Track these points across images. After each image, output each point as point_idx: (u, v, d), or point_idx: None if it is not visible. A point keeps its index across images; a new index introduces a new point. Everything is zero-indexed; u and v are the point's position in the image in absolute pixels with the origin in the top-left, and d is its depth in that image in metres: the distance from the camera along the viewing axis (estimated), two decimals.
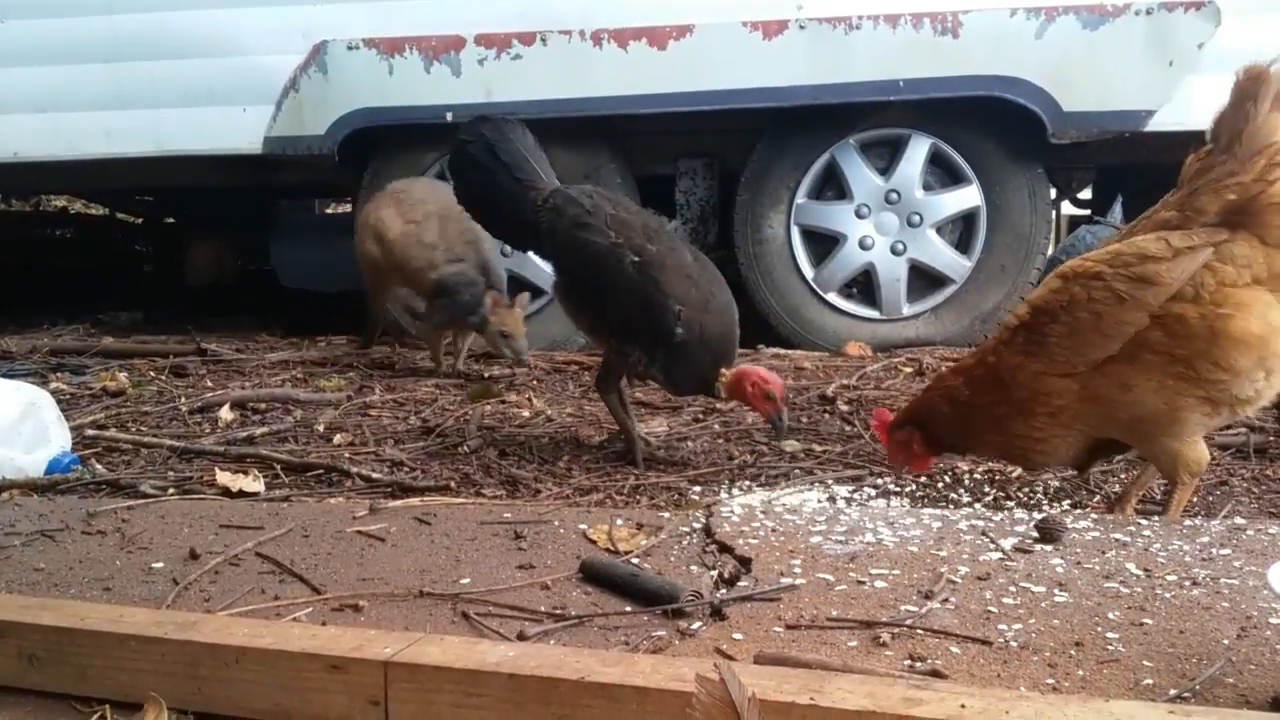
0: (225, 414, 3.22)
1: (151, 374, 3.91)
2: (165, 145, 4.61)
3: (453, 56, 4.36)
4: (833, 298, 4.44)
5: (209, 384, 3.77)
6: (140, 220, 7.98)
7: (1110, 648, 1.46)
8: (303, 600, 1.68)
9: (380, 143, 4.61)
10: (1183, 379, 2.00)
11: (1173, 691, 1.34)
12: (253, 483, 2.49)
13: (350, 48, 4.39)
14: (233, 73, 4.49)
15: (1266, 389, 2.02)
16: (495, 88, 4.35)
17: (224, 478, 2.48)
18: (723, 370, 2.59)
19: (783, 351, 4.28)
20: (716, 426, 3.01)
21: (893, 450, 2.34)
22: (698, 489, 2.45)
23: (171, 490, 2.41)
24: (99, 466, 2.66)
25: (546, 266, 4.57)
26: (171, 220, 7.59)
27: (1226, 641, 1.48)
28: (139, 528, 2.08)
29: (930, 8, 4.07)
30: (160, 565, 1.87)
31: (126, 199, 7.35)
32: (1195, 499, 2.35)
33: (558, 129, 4.45)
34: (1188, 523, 2.02)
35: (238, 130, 4.51)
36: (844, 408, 3.22)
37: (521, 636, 1.52)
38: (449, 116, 4.39)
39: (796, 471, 2.57)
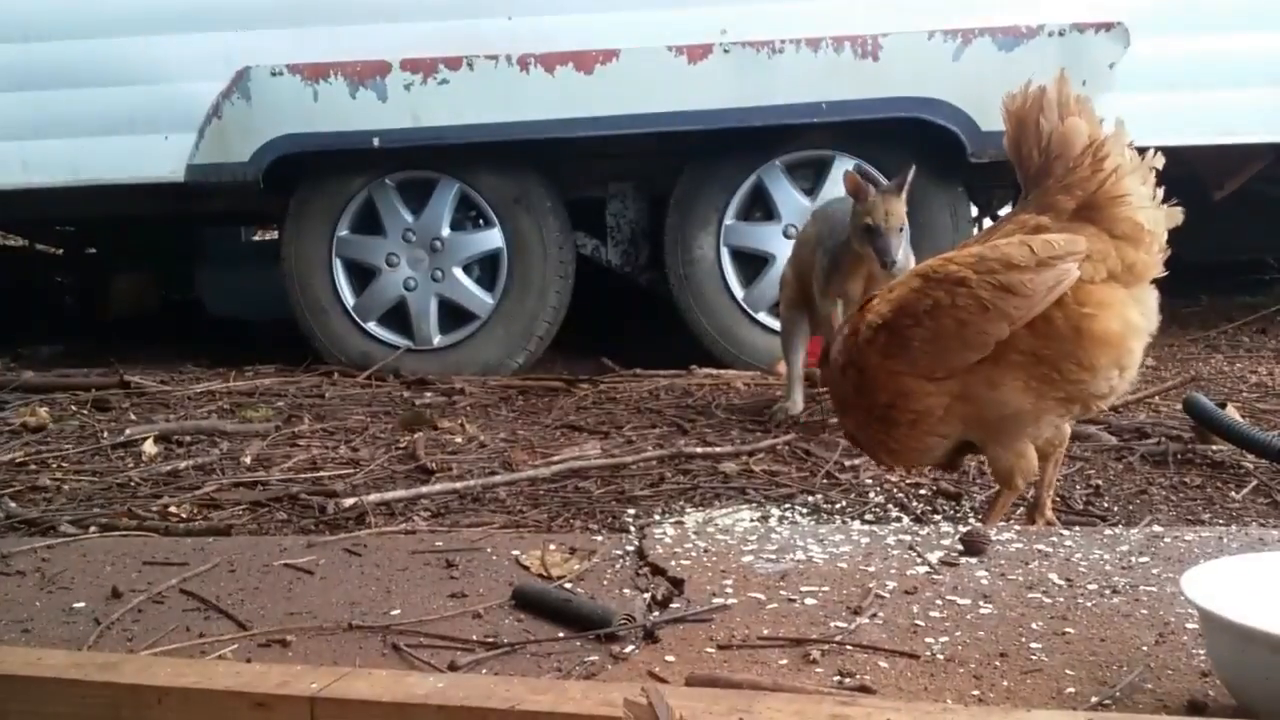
0: (149, 448, 3.15)
1: (73, 408, 3.83)
2: (84, 175, 4.51)
3: (378, 82, 4.34)
4: (764, 317, 4.47)
5: (133, 417, 3.69)
6: (60, 251, 7.80)
7: (1034, 657, 1.49)
8: (228, 637, 1.65)
9: (306, 169, 4.56)
10: (1045, 380, 2.03)
11: (1094, 699, 1.37)
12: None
13: (274, 73, 4.35)
14: (153, 100, 4.42)
15: (1119, 385, 2.09)
16: (422, 113, 4.33)
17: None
18: None
19: (715, 371, 4.30)
20: (650, 449, 3.01)
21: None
22: (631, 511, 2.46)
23: (93, 528, 2.36)
24: (12, 503, 2.59)
25: (478, 290, 4.56)
26: (93, 251, 7.43)
27: (1145, 648, 1.52)
28: (59, 567, 2.03)
29: (851, 31, 4.14)
30: (81, 605, 1.83)
31: (46, 230, 7.18)
32: (1115, 508, 2.41)
33: (486, 153, 4.46)
34: (1108, 531, 2.07)
35: (159, 158, 4.43)
36: (776, 427, 3.25)
37: (453, 667, 1.52)
38: (376, 142, 4.36)
39: (730, 492, 2.58)
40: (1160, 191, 2.06)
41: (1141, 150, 2.06)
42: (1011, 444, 2.12)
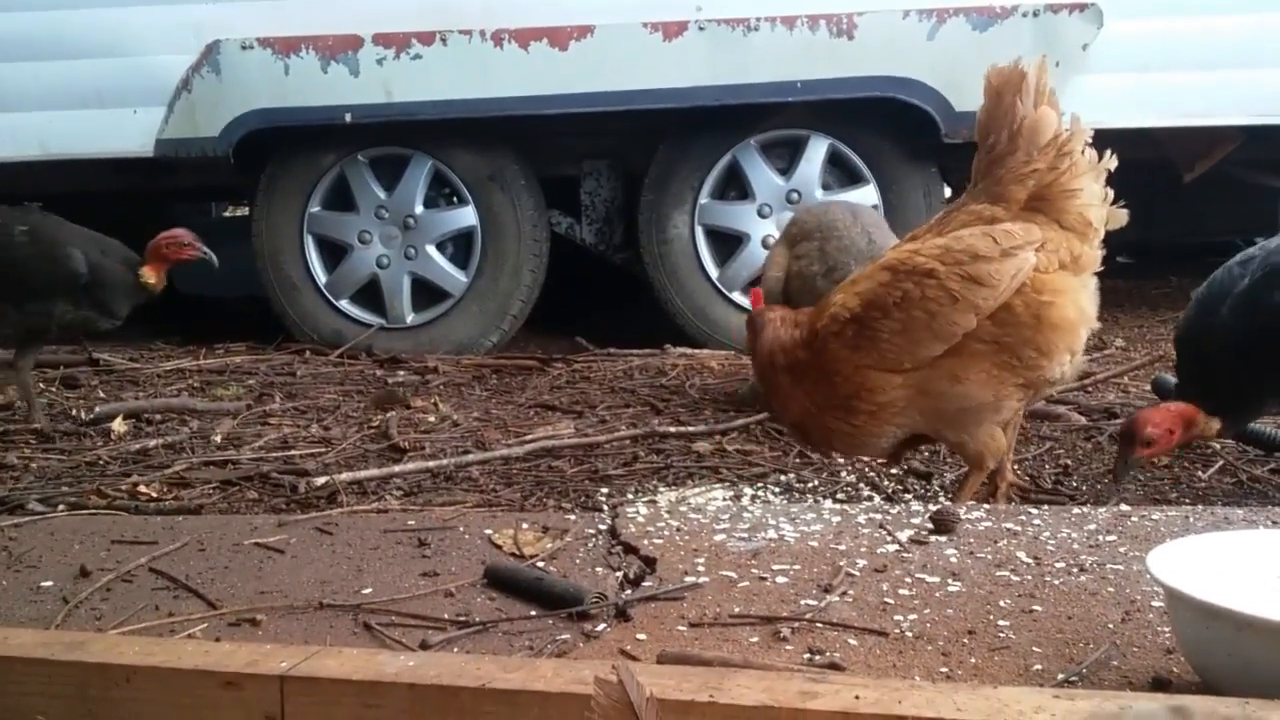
0: (118, 426, 3.13)
1: (41, 385, 3.78)
2: (52, 149, 4.45)
3: (350, 56, 4.29)
4: (738, 297, 4.47)
5: (102, 395, 3.66)
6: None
7: (1001, 635, 1.51)
8: (198, 616, 1.65)
9: (277, 144, 4.51)
10: (1006, 367, 2.08)
11: (1060, 676, 1.39)
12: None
13: (244, 47, 4.29)
14: (122, 73, 4.36)
15: (1070, 370, 2.16)
16: (395, 88, 4.29)
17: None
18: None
19: (690, 351, 4.30)
20: (623, 428, 3.01)
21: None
22: (604, 490, 2.46)
23: (61, 506, 2.33)
24: None
25: (451, 268, 4.54)
26: None
27: (1111, 625, 1.53)
28: (27, 545, 2.01)
29: (826, 10, 4.13)
30: (49, 584, 1.82)
31: (13, 205, 7.09)
32: (1084, 487, 2.43)
33: (460, 130, 4.43)
34: (1076, 510, 2.09)
35: (128, 132, 4.38)
36: (743, 404, 3.25)
37: (424, 645, 1.52)
38: (348, 117, 4.32)
39: (703, 471, 2.59)
40: (1110, 192, 2.12)
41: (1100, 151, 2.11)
42: (976, 430, 2.15)
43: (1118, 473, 2.22)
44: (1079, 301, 2.08)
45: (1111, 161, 2.11)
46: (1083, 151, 2.09)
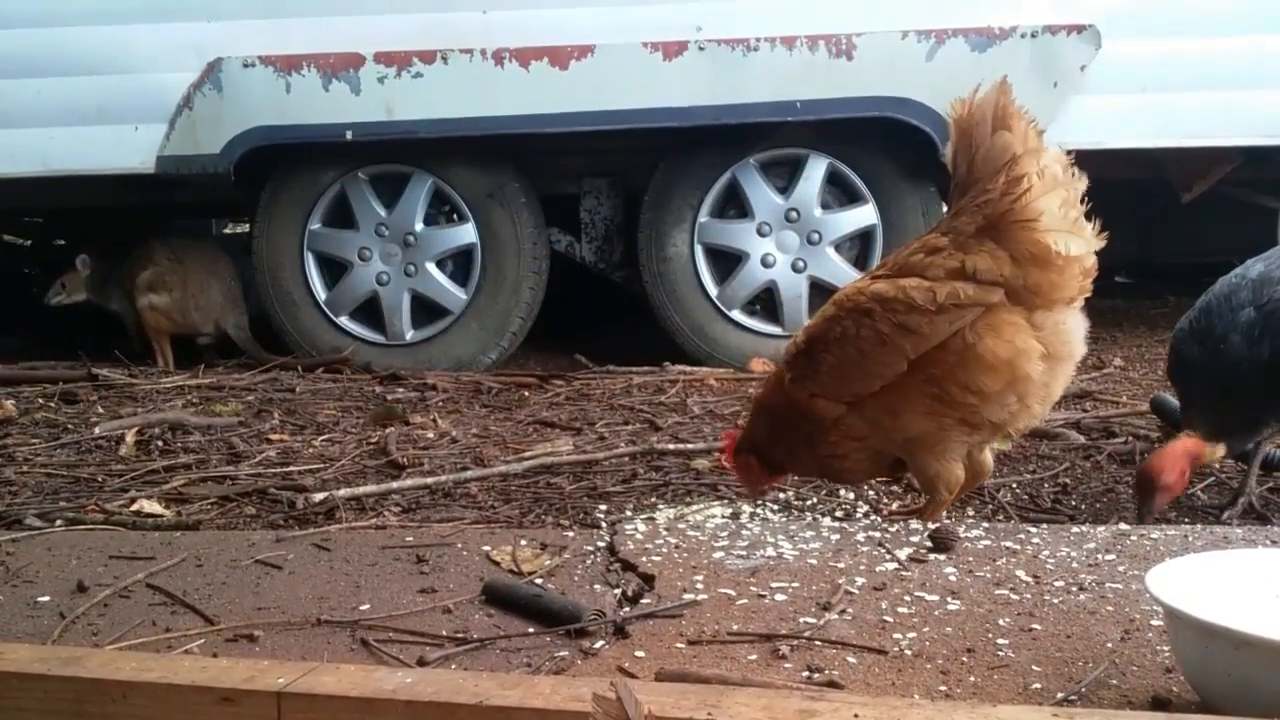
0: (130, 439, 3.12)
1: (40, 401, 3.79)
2: (53, 165, 4.46)
3: (352, 74, 4.31)
4: (737, 315, 4.48)
5: (100, 410, 3.66)
6: (29, 242, 7.71)
7: (1000, 654, 1.51)
8: (195, 632, 1.64)
9: (278, 161, 4.53)
10: (939, 400, 2.02)
11: (1060, 695, 1.38)
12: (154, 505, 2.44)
13: (246, 65, 4.31)
14: (123, 90, 4.37)
15: (1024, 412, 2.03)
16: (396, 106, 4.31)
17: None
18: None
19: (689, 369, 4.31)
20: (622, 445, 3.01)
21: (741, 475, 2.32)
22: (603, 508, 2.45)
23: (59, 521, 2.33)
24: None
25: (451, 285, 4.55)
26: (62, 242, 7.35)
27: (1111, 644, 1.53)
28: (24, 560, 2.01)
29: (825, 31, 4.15)
30: (46, 599, 1.81)
31: (14, 220, 7.10)
32: (1083, 506, 2.43)
33: (460, 147, 4.45)
34: (1075, 529, 2.09)
35: (129, 149, 4.39)
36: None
37: (421, 662, 1.51)
38: (349, 135, 4.33)
39: (702, 488, 2.59)
40: (1078, 213, 1.95)
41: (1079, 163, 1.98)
42: (926, 459, 2.12)
43: (1142, 517, 2.19)
44: (1015, 339, 1.96)
45: (1081, 182, 1.96)
46: (1040, 173, 1.93)
